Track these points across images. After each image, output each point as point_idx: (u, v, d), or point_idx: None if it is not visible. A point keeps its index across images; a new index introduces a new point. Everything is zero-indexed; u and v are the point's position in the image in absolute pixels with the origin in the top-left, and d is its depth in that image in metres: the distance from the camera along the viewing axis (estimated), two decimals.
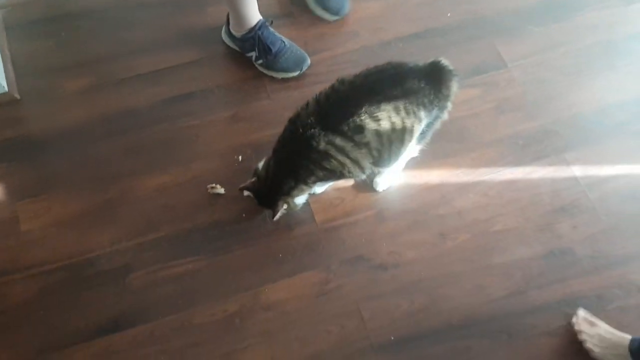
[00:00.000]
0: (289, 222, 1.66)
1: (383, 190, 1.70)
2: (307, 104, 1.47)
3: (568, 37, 1.97)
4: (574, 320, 1.52)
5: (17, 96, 1.83)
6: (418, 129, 1.51)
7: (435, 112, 1.51)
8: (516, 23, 2.00)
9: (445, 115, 1.56)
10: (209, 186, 1.70)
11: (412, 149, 1.62)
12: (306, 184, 1.53)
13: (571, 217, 1.67)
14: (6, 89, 1.80)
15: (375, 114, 1.41)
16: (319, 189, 1.68)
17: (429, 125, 1.56)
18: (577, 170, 1.74)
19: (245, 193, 1.67)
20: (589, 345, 1.48)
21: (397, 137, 1.47)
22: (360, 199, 1.70)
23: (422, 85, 1.45)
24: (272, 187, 1.51)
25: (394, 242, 1.64)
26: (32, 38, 1.97)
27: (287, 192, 1.51)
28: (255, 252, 1.63)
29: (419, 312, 1.55)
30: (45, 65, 1.91)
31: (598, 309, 1.55)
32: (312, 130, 1.42)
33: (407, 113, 1.44)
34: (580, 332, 1.50)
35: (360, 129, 1.42)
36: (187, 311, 1.55)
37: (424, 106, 1.47)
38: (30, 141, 1.78)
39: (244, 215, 1.67)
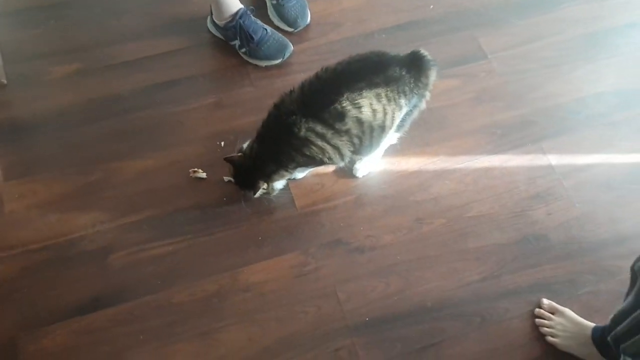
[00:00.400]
0: (269, 206, 1.68)
1: (362, 176, 1.73)
2: (292, 91, 1.51)
3: (549, 30, 2.01)
4: (536, 311, 1.55)
5: (4, 81, 1.85)
6: (398, 116, 1.55)
7: (414, 100, 1.55)
8: (498, 16, 2.04)
9: (423, 105, 1.60)
10: (191, 170, 1.73)
11: (391, 137, 1.65)
12: (287, 169, 1.56)
13: (546, 204, 1.70)
14: None
15: (356, 101, 1.45)
16: (300, 174, 1.71)
17: (408, 114, 1.60)
18: (553, 159, 1.77)
19: (226, 179, 1.70)
20: (551, 339, 1.51)
21: (377, 125, 1.51)
22: (339, 185, 1.73)
23: (403, 73, 1.49)
24: (253, 168, 1.54)
25: (372, 227, 1.67)
26: (21, 26, 2.00)
27: (268, 175, 1.55)
28: (235, 235, 1.65)
29: (394, 294, 1.58)
30: (33, 51, 1.94)
31: (570, 294, 1.58)
32: (294, 116, 1.46)
33: (388, 100, 1.48)
34: (542, 324, 1.53)
35: (342, 115, 1.45)
36: (166, 291, 1.57)
37: (404, 94, 1.50)
38: (16, 124, 1.80)
39: (225, 199, 1.70)
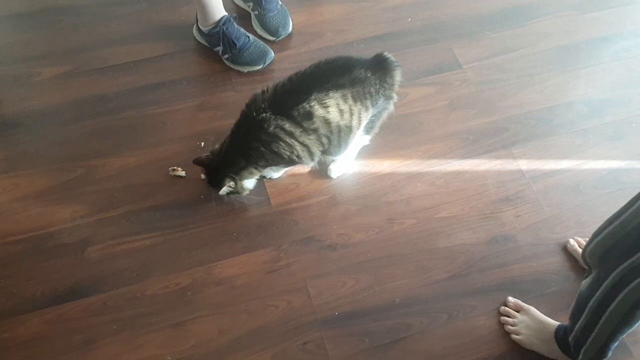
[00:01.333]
0: (245, 204, 1.73)
1: (337, 177, 1.78)
2: (264, 91, 1.57)
3: (522, 43, 2.08)
4: (502, 309, 1.59)
5: None
6: (365, 117, 1.61)
7: (381, 102, 1.61)
8: (473, 29, 2.11)
9: (391, 107, 1.67)
10: (170, 168, 1.78)
11: (361, 138, 1.71)
12: (256, 167, 1.61)
13: (515, 207, 1.75)
14: None
15: (324, 101, 1.51)
16: (275, 174, 1.76)
17: (376, 115, 1.66)
18: (523, 164, 1.82)
19: (203, 177, 1.75)
20: (515, 336, 1.54)
21: (345, 125, 1.57)
22: (314, 185, 1.78)
23: (369, 75, 1.55)
24: (223, 163, 1.59)
25: (344, 225, 1.71)
26: (14, 30, 2.08)
27: (236, 172, 1.59)
28: (210, 231, 1.70)
29: (363, 290, 1.61)
30: (23, 54, 2.01)
31: (536, 293, 1.62)
32: (264, 114, 1.52)
33: (354, 101, 1.54)
34: (506, 322, 1.56)
35: (309, 115, 1.51)
36: (140, 283, 1.61)
37: (370, 95, 1.57)
38: (3, 122, 1.86)
39: (202, 196, 1.75)
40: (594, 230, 1.70)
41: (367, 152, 1.80)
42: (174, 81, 1.97)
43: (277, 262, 1.65)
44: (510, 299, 1.59)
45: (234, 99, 1.93)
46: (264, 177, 1.75)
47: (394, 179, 1.79)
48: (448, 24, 2.12)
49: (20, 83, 1.94)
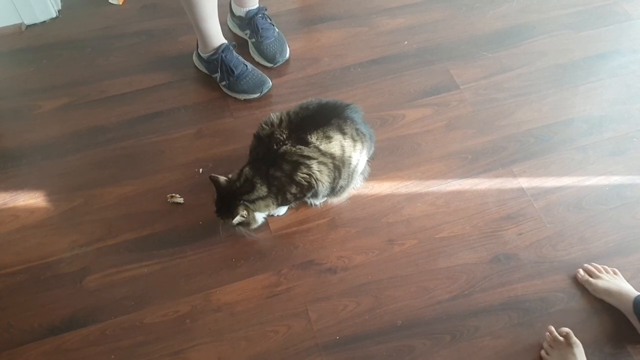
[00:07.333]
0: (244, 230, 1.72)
1: (319, 204, 1.77)
2: (280, 120, 1.57)
3: (519, 62, 2.09)
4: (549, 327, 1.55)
5: None
6: (363, 161, 1.67)
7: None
8: (469, 50, 2.12)
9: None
10: (169, 196, 1.77)
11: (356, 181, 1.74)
12: (274, 200, 1.59)
13: (516, 225, 1.72)
14: None
15: (343, 128, 1.55)
16: (281, 210, 1.75)
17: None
18: (523, 182, 1.80)
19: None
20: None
21: (355, 160, 1.60)
22: (313, 208, 1.77)
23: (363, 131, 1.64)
24: (240, 190, 1.57)
25: (344, 248, 1.69)
26: (15, 64, 2.11)
27: (253, 200, 1.57)
28: (209, 257, 1.68)
29: (364, 313, 1.58)
30: (24, 88, 2.03)
31: (541, 312, 1.58)
32: (285, 146, 1.52)
33: (361, 142, 1.61)
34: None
35: (329, 138, 1.53)
36: (139, 312, 1.59)
37: (364, 145, 1.64)
38: (3, 155, 1.87)
39: (200, 223, 1.74)
40: (598, 247, 1.68)
41: (366, 174, 1.79)
42: (173, 109, 1.98)
43: (277, 287, 1.63)
44: (565, 329, 1.51)
45: (232, 125, 1.94)
46: (272, 215, 1.74)
47: (394, 200, 1.78)
48: (444, 46, 2.13)
49: (21, 116, 1.96)
